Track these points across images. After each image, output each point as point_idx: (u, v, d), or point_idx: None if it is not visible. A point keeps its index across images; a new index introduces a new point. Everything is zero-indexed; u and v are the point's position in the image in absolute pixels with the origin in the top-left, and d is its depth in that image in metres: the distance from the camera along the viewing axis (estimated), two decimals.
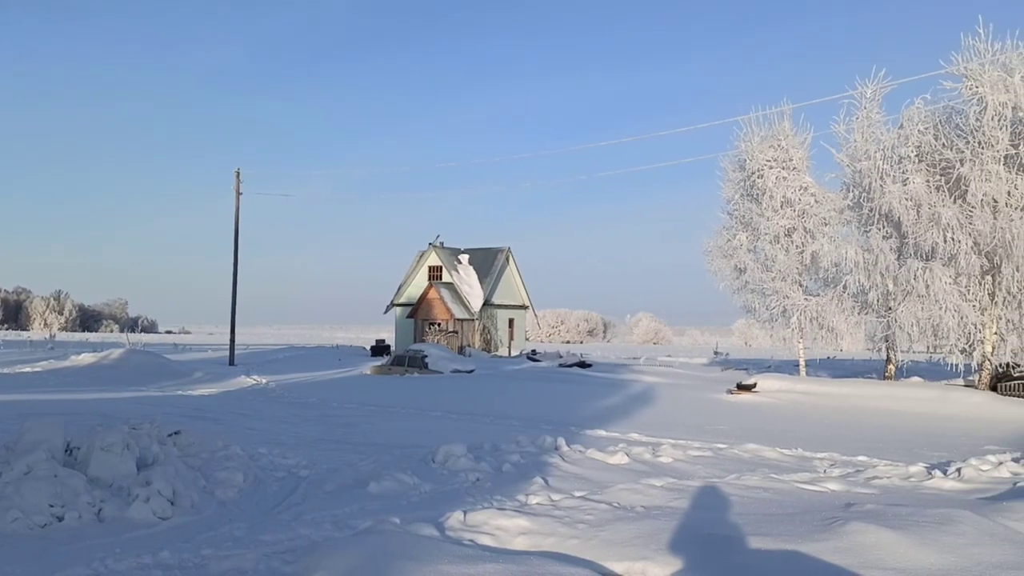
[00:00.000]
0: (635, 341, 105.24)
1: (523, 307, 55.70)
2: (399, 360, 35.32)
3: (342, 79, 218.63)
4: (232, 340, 42.20)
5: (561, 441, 12.03)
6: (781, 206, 27.55)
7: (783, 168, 27.58)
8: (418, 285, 51.44)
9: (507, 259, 53.73)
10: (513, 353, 50.05)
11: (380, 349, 51.14)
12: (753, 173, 28.16)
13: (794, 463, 12.02)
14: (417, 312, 49.91)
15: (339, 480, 9.64)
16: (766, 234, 27.98)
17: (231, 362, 39.94)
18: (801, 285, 28.05)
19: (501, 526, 7.15)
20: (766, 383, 24.41)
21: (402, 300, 52.63)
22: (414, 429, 15.93)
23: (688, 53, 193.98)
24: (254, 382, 29.47)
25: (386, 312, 54.44)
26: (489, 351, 49.34)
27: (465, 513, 7.49)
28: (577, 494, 8.52)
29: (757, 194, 28.29)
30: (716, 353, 58.88)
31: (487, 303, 50.41)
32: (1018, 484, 9.11)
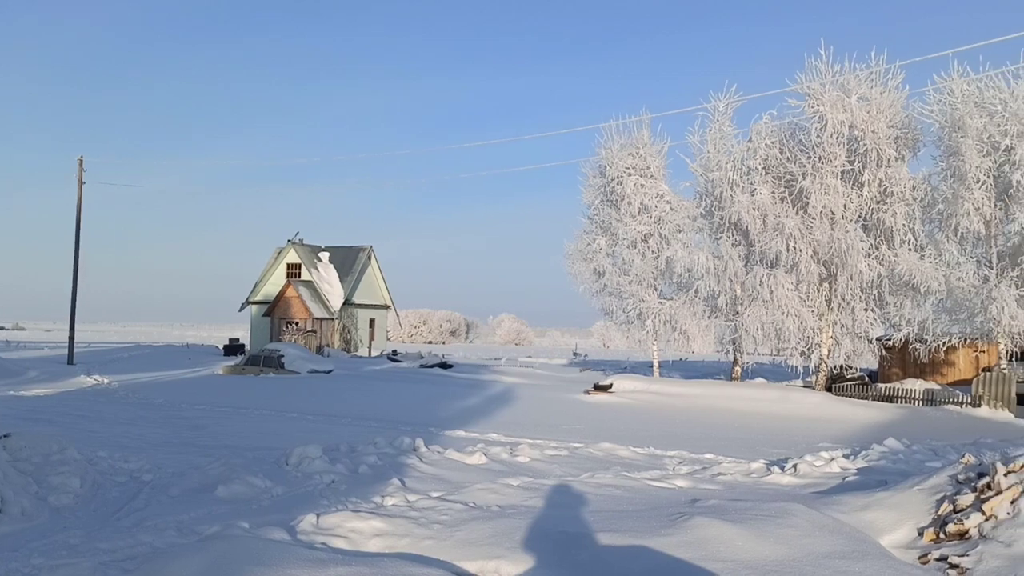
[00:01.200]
0: (497, 342, 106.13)
1: (385, 307, 55.16)
2: (254, 360, 34.25)
3: (203, 67, 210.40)
4: (71, 337, 39.76)
5: (420, 442, 11.96)
6: (639, 212, 28.45)
7: (641, 175, 28.49)
8: (275, 283, 50.01)
9: (369, 258, 53.05)
10: (374, 353, 49.48)
11: (234, 348, 49.44)
12: (613, 179, 28.95)
13: (646, 461, 12.40)
14: (274, 311, 48.55)
15: (185, 484, 9.23)
16: (624, 239, 28.82)
17: (70, 360, 37.62)
18: (656, 289, 29.05)
19: (355, 528, 7.03)
20: (622, 384, 25.11)
21: (258, 298, 51.05)
22: (268, 431, 15.48)
23: (554, 60, 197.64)
24: (95, 382, 27.88)
25: (241, 310, 52.68)
26: (349, 351, 48.58)
27: (318, 516, 7.32)
28: (434, 494, 8.49)
29: (616, 200, 29.10)
30: (575, 354, 60.11)
31: (347, 302, 49.62)
32: (847, 479, 9.72)
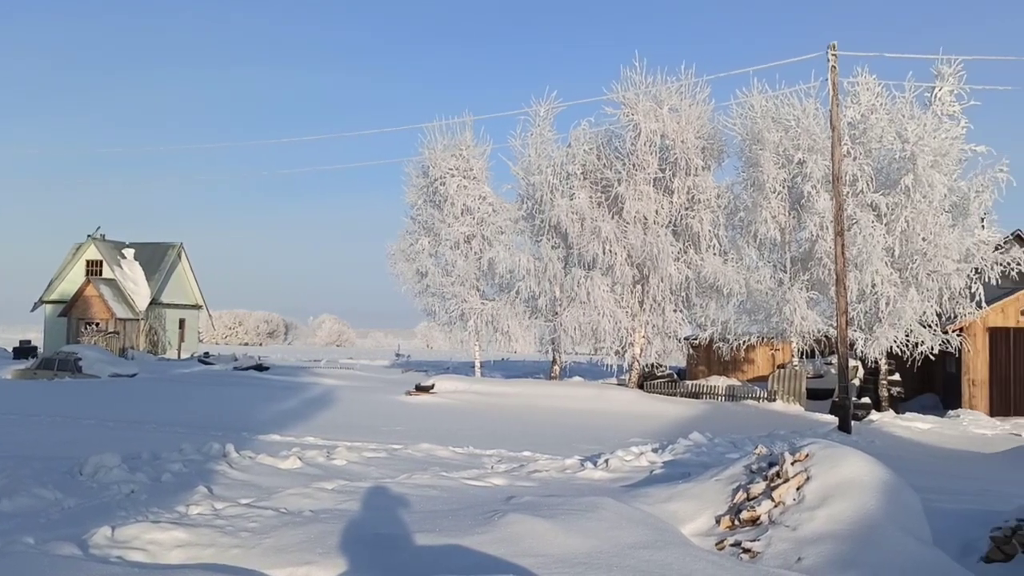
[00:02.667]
0: (318, 343, 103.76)
1: (196, 307, 52.63)
2: (47, 363, 31.73)
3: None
4: None
5: (230, 447, 11.45)
6: (461, 213, 28.64)
7: (464, 177, 28.70)
8: (73, 281, 46.55)
9: (179, 255, 50.48)
10: (184, 356, 47.10)
11: (25, 351, 45.59)
12: (436, 180, 29.00)
13: (465, 461, 12.46)
14: (72, 310, 45.22)
15: None
16: (447, 240, 28.92)
17: None
18: (479, 290, 29.33)
19: (155, 540, 6.61)
20: (443, 384, 25.16)
21: (54, 297, 47.35)
22: (61, 439, 14.34)
23: (374, 58, 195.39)
24: None
25: (34, 310, 48.76)
26: (156, 354, 46.01)
27: (114, 528, 6.83)
28: (243, 501, 8.14)
29: (439, 200, 29.16)
30: (398, 355, 59.76)
31: (155, 302, 47.01)
32: (654, 472, 10.17)
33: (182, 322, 51.19)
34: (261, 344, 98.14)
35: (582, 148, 26.18)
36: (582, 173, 26.23)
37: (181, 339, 50.54)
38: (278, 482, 9.59)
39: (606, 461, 11.02)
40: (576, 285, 25.46)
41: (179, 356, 47.06)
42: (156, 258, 48.86)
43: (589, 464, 11.09)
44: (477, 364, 30.03)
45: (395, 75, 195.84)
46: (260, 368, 35.30)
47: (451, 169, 28.75)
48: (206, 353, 47.12)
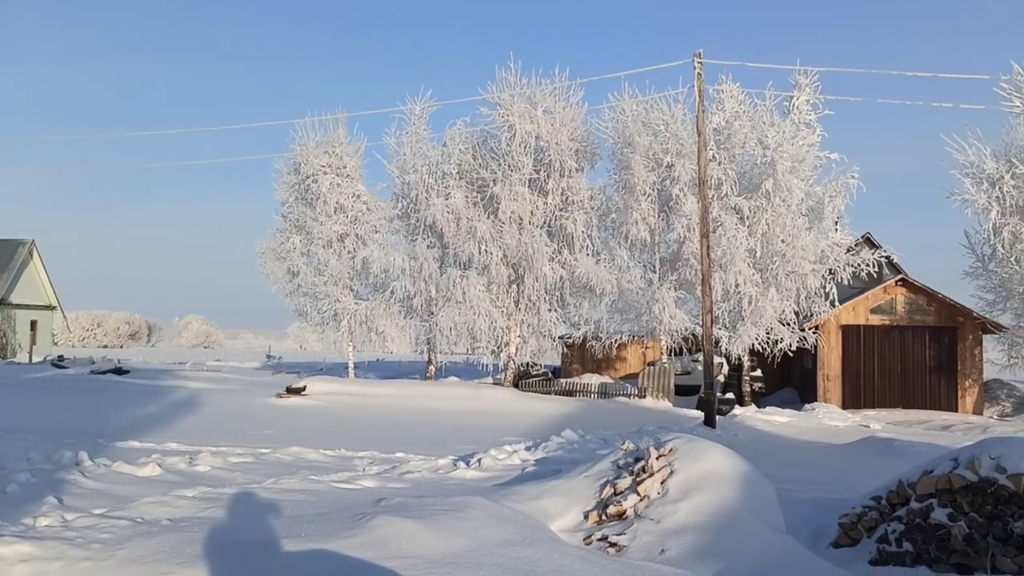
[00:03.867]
0: (184, 345, 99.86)
1: (50, 307, 49.70)
2: None
3: None
4: None
5: (83, 455, 10.83)
6: (335, 212, 28.11)
7: (337, 174, 28.19)
8: None
9: (31, 253, 47.52)
10: (36, 359, 44.40)
11: None
12: (308, 177, 28.35)
13: (335, 463, 12.20)
14: None
15: None
16: (319, 238, 28.32)
17: None
18: (352, 290, 28.87)
19: None
20: (316, 386, 24.60)
21: None
22: None
23: (242, 51, 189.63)
24: None
25: None
26: (5, 357, 43.22)
27: None
28: (96, 511, 7.70)
29: (311, 198, 28.53)
30: (269, 357, 58.17)
31: (3, 302, 44.15)
32: (526, 470, 10.25)
33: (34, 324, 48.23)
34: (122, 346, 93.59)
35: (458, 147, 26.18)
36: (458, 173, 26.23)
37: (33, 342, 47.60)
38: (135, 490, 9.13)
39: (479, 460, 11.03)
40: (452, 285, 25.42)
41: (31, 360, 44.31)
42: (4, 256, 45.82)
43: (462, 464, 11.08)
44: (351, 365, 29.56)
45: (266, 69, 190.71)
46: (119, 372, 33.59)
47: (324, 166, 28.17)
48: (60, 356, 44.49)
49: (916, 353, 28.42)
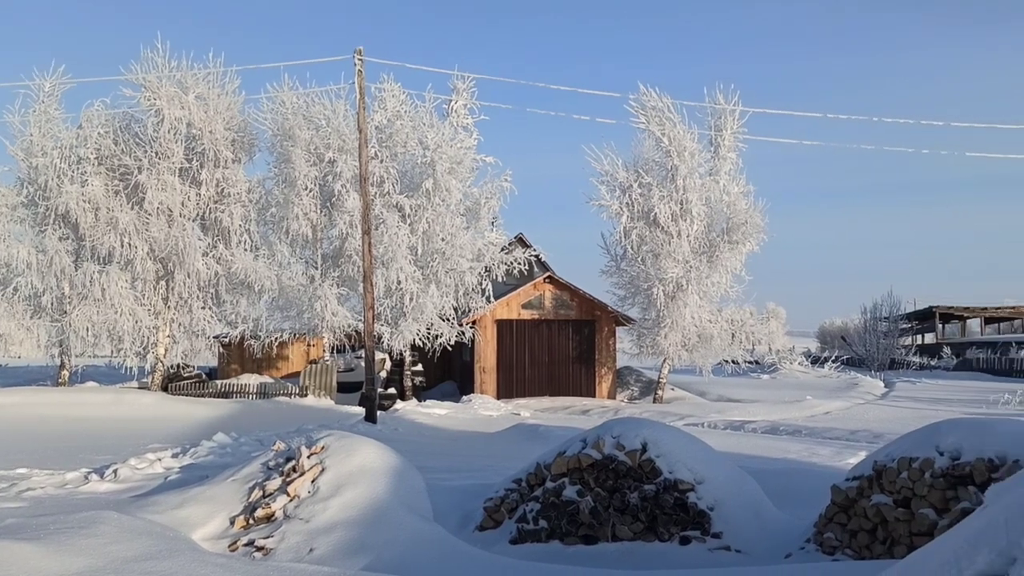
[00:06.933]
0: None
1: None
2: None
3: None
4: None
5: None
6: None
7: None
8: None
9: None
10: None
11: None
12: None
13: None
14: None
15: None
16: None
17: None
18: None
19: None
20: None
21: None
22: None
23: None
24: None
25: None
26: None
27: None
28: None
29: None
30: None
31: None
32: (169, 478, 9.52)
33: None
34: None
35: (96, 131, 23.72)
36: (96, 158, 23.78)
37: None
38: None
39: (115, 471, 10.07)
40: (89, 281, 23.01)
41: None
42: None
43: (95, 476, 10.03)
44: None
45: None
46: None
47: None
48: None
49: (561, 345, 30.86)
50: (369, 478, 6.58)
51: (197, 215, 24.61)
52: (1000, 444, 5.84)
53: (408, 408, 23.22)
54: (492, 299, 28.57)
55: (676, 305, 27.58)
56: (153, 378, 24.68)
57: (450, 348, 28.23)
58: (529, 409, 25.83)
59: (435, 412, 23.00)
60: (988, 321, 59.17)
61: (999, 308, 57.16)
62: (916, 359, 50.64)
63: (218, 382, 26.30)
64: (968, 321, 60.55)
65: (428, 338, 26.70)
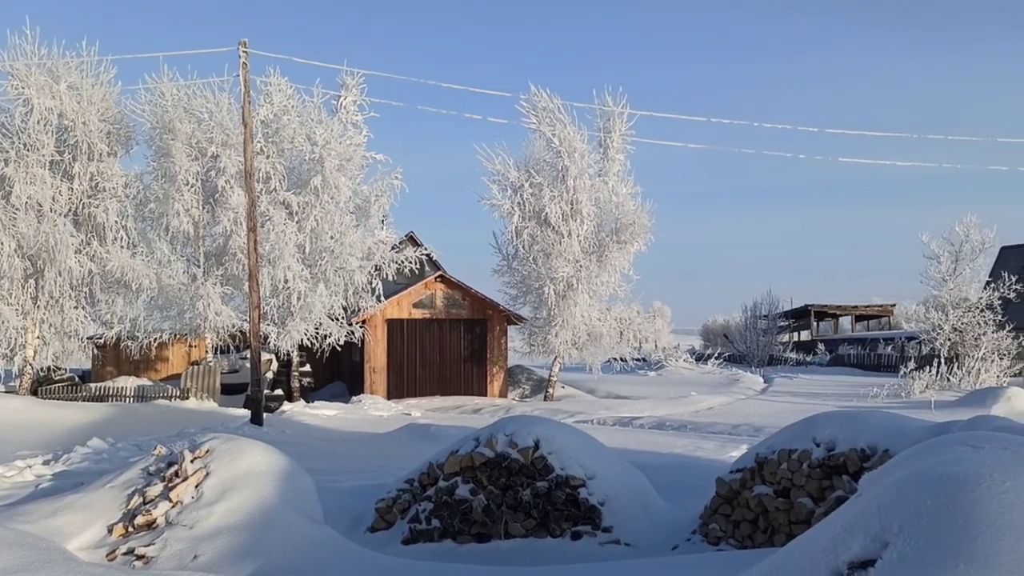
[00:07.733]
0: None
1: None
2: None
3: None
4: None
5: None
6: None
7: None
8: None
9: None
10: None
11: None
12: None
13: None
14: None
15: None
16: None
17: None
18: None
19: None
20: None
21: None
22: None
23: None
24: None
25: None
26: None
27: None
28: None
29: None
30: None
31: None
32: (41, 486, 9.03)
33: None
34: None
35: None
36: None
37: None
38: None
39: None
40: None
41: None
42: None
43: None
44: None
45: None
46: None
47: None
48: None
49: (453, 344, 30.82)
50: (256, 482, 6.39)
51: (69, 210, 23.42)
52: (872, 435, 6.16)
53: (296, 410, 22.74)
54: (383, 298, 28.31)
55: (567, 304, 27.95)
56: (21, 381, 23.35)
57: (339, 348, 27.80)
58: (420, 409, 25.71)
59: (324, 413, 22.61)
60: (858, 319, 62.39)
61: (868, 306, 60.44)
62: (793, 355, 52.89)
63: (92, 385, 25.12)
64: (840, 319, 63.65)
65: (317, 338, 26.21)
